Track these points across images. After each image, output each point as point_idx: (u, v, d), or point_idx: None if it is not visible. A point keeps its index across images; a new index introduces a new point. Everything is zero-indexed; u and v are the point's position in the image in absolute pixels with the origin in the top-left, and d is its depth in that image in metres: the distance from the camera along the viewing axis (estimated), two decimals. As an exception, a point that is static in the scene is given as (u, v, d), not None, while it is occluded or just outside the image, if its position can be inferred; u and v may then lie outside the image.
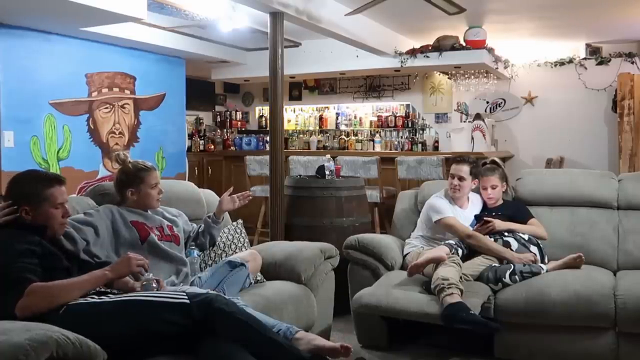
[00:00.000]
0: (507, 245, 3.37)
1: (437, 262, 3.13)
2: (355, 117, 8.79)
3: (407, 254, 3.64)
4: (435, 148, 7.82)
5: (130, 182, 2.92)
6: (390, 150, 8.08)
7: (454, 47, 6.46)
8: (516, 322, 3.10)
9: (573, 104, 7.28)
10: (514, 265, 3.22)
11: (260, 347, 2.18)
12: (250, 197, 3.38)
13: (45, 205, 2.33)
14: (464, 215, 3.62)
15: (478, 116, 7.01)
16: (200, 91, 8.41)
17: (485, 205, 3.75)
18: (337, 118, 8.90)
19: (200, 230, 3.15)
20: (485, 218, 3.53)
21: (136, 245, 2.78)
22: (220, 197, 3.34)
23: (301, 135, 8.97)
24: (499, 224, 3.49)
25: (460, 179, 3.61)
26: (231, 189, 3.34)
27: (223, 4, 5.14)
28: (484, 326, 2.91)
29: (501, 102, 7.70)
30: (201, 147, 8.15)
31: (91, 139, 5.75)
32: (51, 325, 1.85)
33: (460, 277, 3.09)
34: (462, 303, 2.87)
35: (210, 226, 3.14)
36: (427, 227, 3.65)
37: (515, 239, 3.41)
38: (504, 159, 6.04)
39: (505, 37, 6.79)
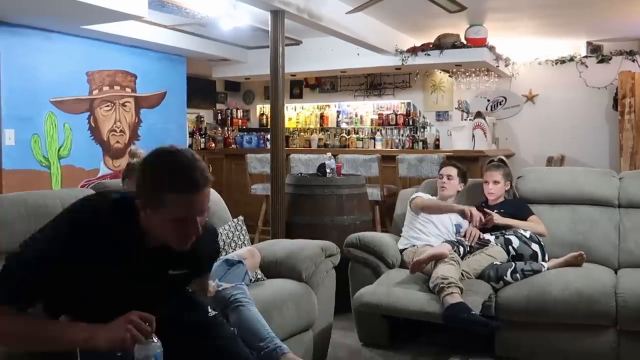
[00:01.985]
0: (508, 242, 3.37)
1: (439, 258, 3.13)
2: (356, 115, 8.79)
3: (402, 250, 3.65)
4: (436, 146, 7.83)
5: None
6: (391, 148, 8.08)
7: (454, 45, 6.46)
8: (517, 320, 3.10)
9: (574, 102, 7.27)
10: (515, 264, 3.22)
11: None
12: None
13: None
14: (442, 218, 3.67)
15: (479, 114, 6.99)
16: (201, 89, 8.42)
17: (486, 202, 3.76)
18: (338, 116, 8.91)
19: None
20: (485, 210, 3.53)
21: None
22: (220, 196, 3.34)
23: (302, 134, 8.97)
24: (497, 217, 3.50)
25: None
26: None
27: (224, 2, 5.14)
28: (485, 326, 2.90)
29: (502, 100, 7.70)
30: (202, 145, 8.15)
31: (92, 137, 5.75)
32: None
33: (462, 274, 3.10)
34: (463, 303, 2.86)
35: None
36: (408, 219, 3.75)
37: (517, 236, 3.41)
38: (505, 157, 6.03)
39: (506, 35, 6.78)
